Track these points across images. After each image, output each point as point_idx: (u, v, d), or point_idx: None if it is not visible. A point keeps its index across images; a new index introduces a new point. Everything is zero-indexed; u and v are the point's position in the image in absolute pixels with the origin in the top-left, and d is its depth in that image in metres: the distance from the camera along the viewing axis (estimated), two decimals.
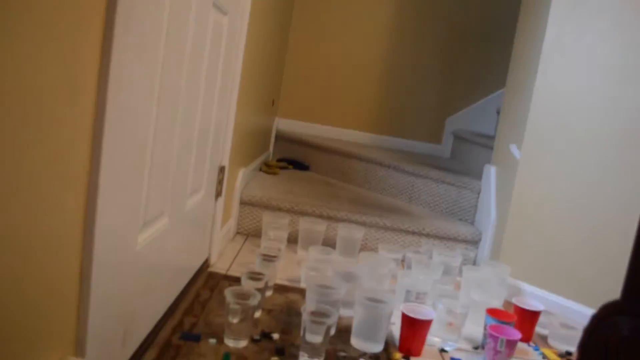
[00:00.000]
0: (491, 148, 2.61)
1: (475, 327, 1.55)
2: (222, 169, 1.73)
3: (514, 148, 2.03)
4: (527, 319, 1.56)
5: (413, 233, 2.16)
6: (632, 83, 1.78)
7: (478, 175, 2.53)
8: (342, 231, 1.98)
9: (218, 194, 1.74)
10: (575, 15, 1.86)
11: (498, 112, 3.22)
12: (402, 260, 2.05)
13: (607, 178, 1.82)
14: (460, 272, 1.83)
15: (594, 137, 1.84)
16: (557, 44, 1.88)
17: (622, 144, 1.80)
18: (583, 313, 1.76)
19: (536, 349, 1.53)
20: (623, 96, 1.80)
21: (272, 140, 3.14)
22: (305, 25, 3.26)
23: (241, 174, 2.12)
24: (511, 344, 1.34)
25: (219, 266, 1.78)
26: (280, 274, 1.75)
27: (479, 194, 2.35)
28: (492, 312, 1.45)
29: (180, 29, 1.12)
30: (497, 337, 1.34)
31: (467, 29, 3.27)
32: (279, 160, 2.98)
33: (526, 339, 1.56)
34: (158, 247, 1.18)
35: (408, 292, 1.60)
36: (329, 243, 2.04)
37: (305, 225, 1.99)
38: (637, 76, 1.78)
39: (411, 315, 1.36)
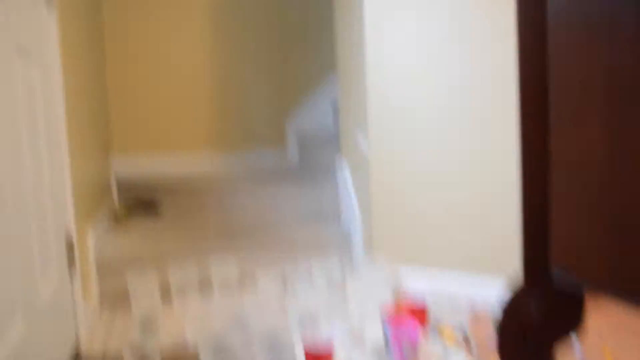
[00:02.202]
0: (332, 141, 2.66)
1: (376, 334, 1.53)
2: (69, 236, 1.53)
3: (359, 133, 2.07)
4: (417, 315, 1.56)
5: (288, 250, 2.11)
6: (451, 42, 1.90)
7: (334, 173, 2.57)
8: (216, 269, 1.86)
9: (71, 265, 1.53)
10: (389, 4, 1.94)
11: (333, 107, 3.32)
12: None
13: (454, 135, 1.91)
14: (343, 277, 1.81)
15: (435, 96, 1.91)
16: (378, 26, 1.94)
17: (460, 100, 1.90)
18: (470, 282, 1.83)
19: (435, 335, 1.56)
20: (444, 62, 1.91)
21: (114, 186, 2.89)
22: (121, 50, 3.05)
23: (90, 234, 1.90)
24: (414, 345, 1.36)
25: (95, 348, 1.55)
26: (165, 338, 1.56)
27: (338, 191, 2.38)
28: (389, 320, 1.43)
29: None
30: (401, 344, 1.35)
31: (285, 24, 3.30)
32: (127, 206, 2.74)
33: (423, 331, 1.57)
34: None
35: (301, 317, 1.54)
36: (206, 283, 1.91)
37: (176, 276, 1.83)
38: (447, 47, 1.90)
39: (314, 351, 1.30)
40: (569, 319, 0.75)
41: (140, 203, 2.74)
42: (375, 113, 1.98)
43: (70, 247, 1.53)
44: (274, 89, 3.32)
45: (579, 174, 0.69)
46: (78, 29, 2.11)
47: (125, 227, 2.39)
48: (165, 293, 1.86)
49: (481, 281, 1.81)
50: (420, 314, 1.58)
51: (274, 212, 2.51)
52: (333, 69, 3.39)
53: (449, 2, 1.94)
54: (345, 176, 2.26)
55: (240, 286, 1.81)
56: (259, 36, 3.27)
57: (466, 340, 1.57)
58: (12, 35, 1.15)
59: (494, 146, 1.89)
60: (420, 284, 1.64)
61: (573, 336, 0.76)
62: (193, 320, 1.53)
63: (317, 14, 3.34)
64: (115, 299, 1.91)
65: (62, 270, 1.45)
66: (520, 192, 0.75)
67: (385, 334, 1.42)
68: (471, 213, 1.92)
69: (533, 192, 0.73)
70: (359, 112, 2.09)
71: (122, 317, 1.77)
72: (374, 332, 1.53)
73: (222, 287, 1.85)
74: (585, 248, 0.69)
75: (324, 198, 2.41)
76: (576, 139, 0.67)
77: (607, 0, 0.62)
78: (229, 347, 1.30)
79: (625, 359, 1.35)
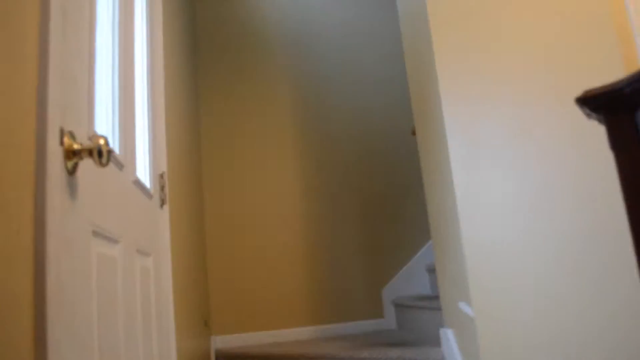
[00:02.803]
0: (436, 309, 2.57)
1: None
2: None
3: (464, 305, 2.00)
4: None
5: None
6: (541, 211, 1.88)
7: (436, 340, 2.45)
8: None
9: None
10: (475, 162, 1.99)
11: (428, 270, 3.27)
12: None
13: (568, 304, 1.81)
14: None
15: (539, 269, 1.87)
16: (468, 195, 1.98)
17: (563, 258, 1.83)
18: None
19: None
20: (543, 222, 1.88)
21: (213, 359, 2.90)
22: (219, 235, 3.24)
23: None
24: None
25: None
26: None
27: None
28: None
29: (110, 286, 1.03)
30: None
31: (378, 196, 3.41)
32: None
33: None
34: None
35: None
36: None
37: None
38: (544, 203, 1.88)
39: None
40: None
41: None
42: (477, 281, 1.93)
43: None
44: (369, 260, 3.34)
45: None
46: (183, 220, 2.30)
47: None
48: None
49: None
50: None
51: None
52: (427, 237, 3.41)
53: (541, 158, 1.96)
54: (452, 348, 2.14)
55: None
56: (351, 207, 3.39)
57: None
58: (135, 241, 1.27)
59: (603, 305, 1.75)
60: None
61: None
62: None
63: (409, 182, 3.46)
64: None
65: None
66: None
67: None
68: None
69: None
70: (458, 280, 2.04)
71: None
72: None
73: None
74: None
75: None
76: None
77: None
78: None
79: None
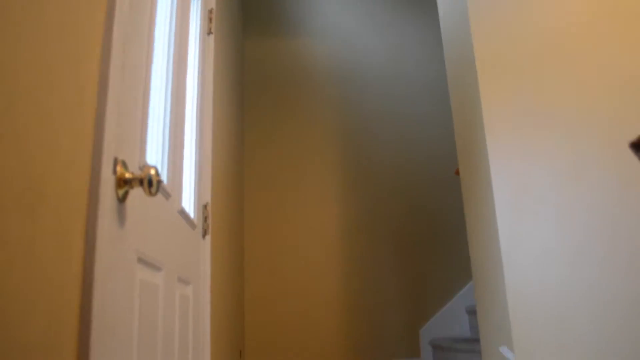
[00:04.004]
0: (475, 352, 2.50)
1: None
2: None
3: (505, 350, 1.94)
4: None
5: None
6: (589, 263, 1.82)
7: None
8: None
9: None
10: (520, 208, 1.96)
11: (468, 312, 3.19)
12: None
13: (618, 355, 1.74)
14: None
15: (583, 320, 1.80)
16: (512, 239, 1.94)
17: (611, 316, 1.76)
18: None
19: None
20: (588, 267, 1.82)
21: None
22: (257, 268, 3.26)
23: None
24: None
25: None
26: None
27: None
28: None
29: (151, 312, 1.05)
30: None
31: (420, 235, 3.38)
32: None
33: None
34: None
35: None
36: None
37: None
38: (593, 253, 1.82)
39: None
40: None
41: None
42: (519, 326, 1.87)
43: None
44: (408, 299, 3.29)
45: None
46: (224, 252, 2.33)
47: None
48: None
49: None
50: None
51: None
52: (467, 278, 3.34)
53: (589, 206, 1.91)
54: None
55: None
56: (392, 246, 3.36)
57: None
58: (176, 269, 1.30)
59: None
60: None
61: None
62: None
63: (451, 222, 3.41)
64: None
65: None
66: None
67: None
68: None
69: None
70: (500, 323, 1.99)
71: None
72: None
73: None
74: None
75: None
76: None
77: None
78: None
79: None
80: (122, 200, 0.85)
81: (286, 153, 3.45)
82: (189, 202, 1.58)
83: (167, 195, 1.21)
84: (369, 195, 3.43)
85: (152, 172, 0.84)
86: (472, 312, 3.09)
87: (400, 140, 3.55)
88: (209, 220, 1.72)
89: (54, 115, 0.67)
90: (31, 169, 0.60)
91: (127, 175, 0.85)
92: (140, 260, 0.98)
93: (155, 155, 1.22)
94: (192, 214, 1.58)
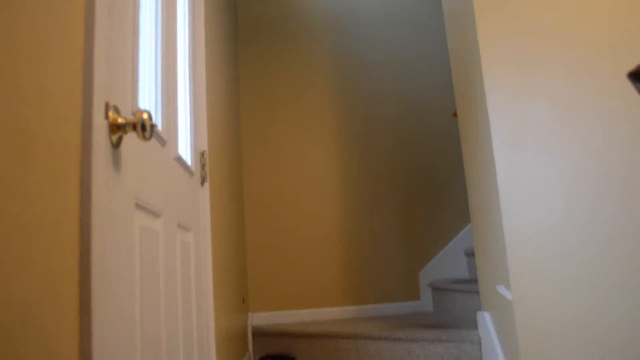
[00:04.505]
0: (473, 292, 2.55)
1: None
2: None
3: (502, 289, 1.98)
4: None
5: None
6: (584, 198, 1.83)
7: (472, 323, 2.43)
8: None
9: None
10: (518, 145, 1.95)
11: (467, 254, 3.24)
12: None
13: (609, 295, 1.77)
14: None
15: (580, 256, 1.83)
16: (509, 178, 1.94)
17: (610, 255, 1.79)
18: None
19: None
20: (585, 205, 1.83)
21: (250, 339, 2.96)
22: (258, 214, 3.29)
23: None
24: None
25: None
26: None
27: (480, 344, 2.23)
28: None
29: (152, 259, 1.06)
30: None
31: (418, 178, 3.39)
32: (262, 358, 2.77)
33: None
34: None
35: None
36: None
37: None
38: (587, 193, 1.83)
39: None
40: None
41: (275, 356, 2.76)
42: (517, 265, 1.90)
43: None
44: (407, 242, 3.33)
45: None
46: (223, 198, 2.34)
47: None
48: None
49: None
50: None
51: None
52: (466, 220, 3.37)
53: (587, 140, 1.91)
54: (490, 330, 2.12)
55: None
56: (391, 190, 3.38)
57: None
58: (176, 216, 1.31)
59: None
60: None
61: None
62: None
63: (450, 165, 3.42)
64: None
65: None
66: None
67: None
68: None
69: None
70: (498, 263, 2.02)
71: None
72: None
73: None
74: None
75: (465, 352, 2.25)
76: None
77: None
78: None
79: None
80: (116, 145, 0.85)
81: (284, 99, 3.42)
82: (185, 150, 1.57)
83: (162, 142, 1.20)
84: (368, 138, 3.42)
85: (145, 116, 0.83)
86: (470, 254, 3.13)
87: (399, 84, 3.51)
88: (207, 168, 1.72)
89: (39, 57, 0.65)
90: (19, 111, 0.59)
91: (120, 120, 0.84)
92: (139, 206, 0.99)
93: (148, 102, 1.20)
94: (189, 162, 1.58)
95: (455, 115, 2.95)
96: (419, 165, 3.42)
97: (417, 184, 3.39)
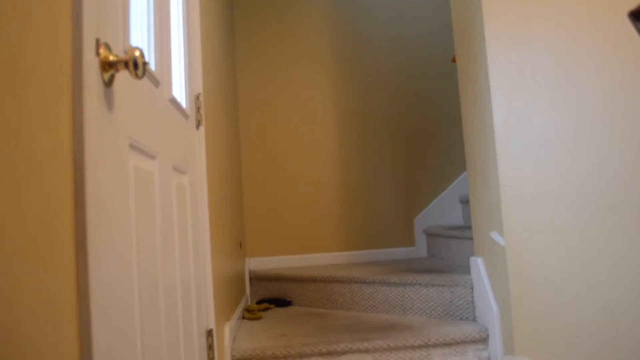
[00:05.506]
0: (466, 239, 2.58)
1: None
2: (210, 332, 1.60)
3: (495, 235, 2.00)
4: None
5: (420, 347, 2.03)
6: (582, 150, 1.83)
7: (465, 269, 2.47)
8: None
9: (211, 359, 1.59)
10: (516, 93, 1.93)
11: (461, 201, 3.26)
12: None
13: (600, 242, 1.80)
14: None
15: (574, 205, 1.84)
16: (507, 126, 1.93)
17: (603, 204, 1.81)
18: None
19: None
20: (579, 162, 1.83)
21: (247, 282, 3.01)
22: (255, 159, 3.28)
23: (227, 329, 1.97)
24: None
25: None
26: None
27: (472, 288, 2.27)
28: None
29: (147, 201, 1.06)
30: None
31: (414, 126, 3.37)
32: (258, 302, 2.83)
33: None
34: None
35: None
36: None
37: None
38: (583, 142, 1.83)
39: None
40: None
41: (273, 302, 2.81)
42: (510, 210, 1.91)
43: (210, 344, 1.59)
44: (403, 190, 3.34)
45: None
46: (219, 142, 2.32)
47: (259, 321, 2.44)
48: None
49: None
50: None
51: (406, 310, 2.44)
52: (461, 168, 3.38)
53: (586, 88, 1.89)
54: (482, 275, 2.16)
55: None
56: (386, 136, 3.36)
57: None
58: (171, 158, 1.30)
59: (636, 246, 1.73)
60: None
61: None
62: None
63: (447, 112, 3.39)
64: None
65: None
66: None
67: None
68: (623, 313, 1.74)
69: None
70: (492, 210, 2.03)
71: None
72: None
73: None
74: None
75: (459, 296, 2.31)
76: None
77: None
78: None
79: None
80: (108, 84, 0.83)
81: (277, 42, 3.35)
82: (180, 92, 1.55)
83: (156, 83, 1.18)
84: (363, 86, 3.38)
85: (137, 53, 0.81)
86: (465, 201, 3.16)
87: (395, 29, 3.44)
88: (202, 111, 1.70)
89: None
90: (4, 44, 0.57)
91: (112, 57, 0.82)
92: (133, 147, 0.98)
93: (140, 42, 1.17)
94: (184, 105, 1.56)
95: (454, 60, 2.91)
96: (415, 112, 3.39)
97: (414, 131, 3.38)
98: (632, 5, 1.83)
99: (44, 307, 0.61)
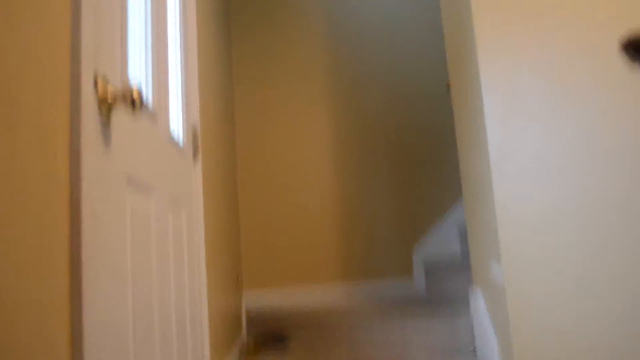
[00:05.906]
0: (464, 270, 2.56)
1: None
2: None
3: (494, 265, 1.98)
4: None
5: None
6: (577, 171, 1.82)
7: (463, 299, 2.44)
8: None
9: None
10: (511, 117, 1.94)
11: (460, 231, 3.24)
12: None
13: (602, 264, 1.78)
14: None
15: (574, 227, 1.83)
16: (502, 150, 1.93)
17: (605, 225, 1.79)
18: None
19: None
20: (578, 181, 1.83)
21: (244, 317, 2.96)
22: (252, 192, 3.27)
23: None
24: None
25: None
26: None
27: (471, 321, 2.24)
28: None
29: (144, 236, 1.04)
30: None
31: (411, 153, 3.37)
32: (255, 339, 2.77)
33: None
34: None
35: None
36: None
37: None
38: (581, 161, 1.82)
39: None
40: None
41: (269, 337, 2.76)
42: (507, 238, 1.89)
43: None
44: (400, 219, 3.33)
45: None
46: (216, 174, 2.31)
47: None
48: None
49: None
50: None
51: (405, 347, 2.39)
52: (458, 195, 3.37)
53: (581, 112, 1.89)
54: (480, 307, 2.13)
55: None
56: (383, 167, 3.36)
57: None
58: (168, 192, 1.28)
59: None
60: None
61: None
62: None
63: (443, 139, 3.40)
64: None
65: None
66: None
67: None
68: (627, 346, 1.70)
69: None
70: (490, 240, 2.01)
71: None
72: None
73: None
74: None
75: (455, 331, 2.27)
76: None
77: None
78: None
79: None
80: (106, 118, 0.82)
81: (275, 71, 3.37)
82: (177, 123, 1.54)
83: (153, 117, 1.17)
84: (361, 113, 3.39)
85: (134, 87, 0.80)
86: (464, 235, 3.14)
87: (393, 55, 3.47)
88: (199, 144, 1.69)
89: (25, 24, 0.62)
90: (3, 77, 0.56)
91: (110, 90, 0.81)
92: (130, 181, 0.96)
93: (138, 72, 1.16)
94: (181, 136, 1.55)
95: (449, 85, 2.93)
96: (412, 140, 3.40)
97: (410, 159, 3.38)
98: (624, 30, 1.86)
99: (39, 351, 0.58)
